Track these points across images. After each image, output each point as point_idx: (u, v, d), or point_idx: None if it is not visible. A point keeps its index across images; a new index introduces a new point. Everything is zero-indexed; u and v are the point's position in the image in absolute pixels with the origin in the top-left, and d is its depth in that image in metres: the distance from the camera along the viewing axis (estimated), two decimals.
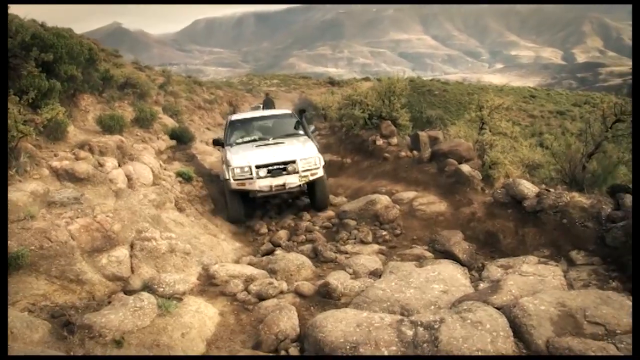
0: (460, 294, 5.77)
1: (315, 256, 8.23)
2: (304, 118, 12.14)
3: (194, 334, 5.29)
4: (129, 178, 9.23)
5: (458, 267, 6.77)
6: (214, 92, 33.86)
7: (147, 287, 6.20)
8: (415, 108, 23.20)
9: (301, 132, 11.68)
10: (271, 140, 11.05)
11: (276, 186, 9.77)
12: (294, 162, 9.85)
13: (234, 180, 9.78)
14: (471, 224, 8.39)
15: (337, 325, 5.05)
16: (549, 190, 7.80)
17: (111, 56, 23.10)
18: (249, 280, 6.89)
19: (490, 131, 12.57)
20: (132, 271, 6.71)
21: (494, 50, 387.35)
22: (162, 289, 6.17)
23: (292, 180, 9.80)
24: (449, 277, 6.20)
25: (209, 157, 15.59)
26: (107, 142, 9.51)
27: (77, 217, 6.55)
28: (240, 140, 11.37)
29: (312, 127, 12.30)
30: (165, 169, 11.22)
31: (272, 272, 7.29)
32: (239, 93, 40.44)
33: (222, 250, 8.59)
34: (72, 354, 4.47)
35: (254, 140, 11.27)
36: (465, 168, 9.78)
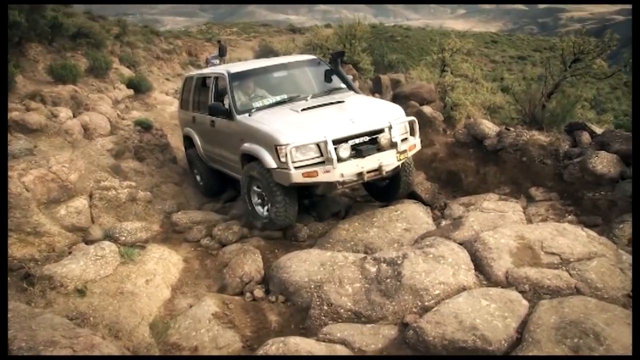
0: (422, 232, 5.88)
1: None
2: (340, 64, 8.07)
3: (158, 280, 5.28)
4: (86, 128, 9.01)
5: (420, 206, 6.84)
6: (172, 42, 32.92)
7: (109, 236, 6.16)
8: (376, 52, 23.03)
9: (342, 85, 7.71)
10: (311, 100, 7.06)
11: (369, 172, 6.08)
12: (382, 130, 6.24)
13: (297, 168, 5.84)
14: (433, 164, 8.45)
15: (301, 266, 5.11)
16: (509, 130, 7.87)
17: (59, 5, 22.04)
18: (211, 226, 6.85)
19: (451, 73, 12.56)
20: (93, 221, 6.63)
21: None
22: (124, 238, 6.14)
23: (389, 161, 6.19)
24: (412, 216, 6.28)
25: (169, 106, 15.25)
26: (60, 92, 9.20)
27: (31, 169, 6.39)
28: (260, 104, 7.12)
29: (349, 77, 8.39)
30: (123, 119, 10.94)
31: (236, 218, 7.26)
32: (198, 42, 39.42)
33: (185, 197, 8.50)
34: (33, 305, 4.41)
35: (283, 102, 7.15)
36: (427, 110, 9.80)
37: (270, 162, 6.05)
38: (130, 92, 13.83)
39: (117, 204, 6.98)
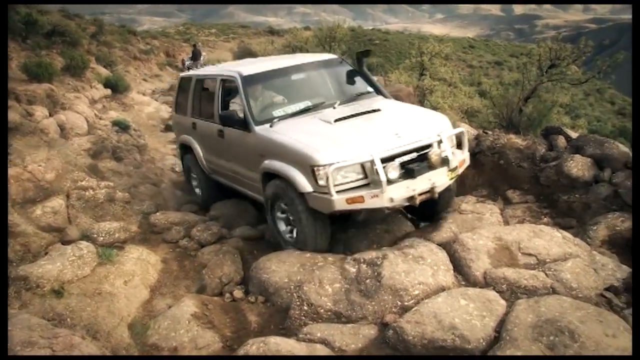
0: (402, 233, 5.92)
1: None
2: (365, 64, 6.94)
3: (136, 281, 5.25)
4: (62, 128, 8.95)
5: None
6: (149, 42, 32.84)
7: (86, 237, 6.07)
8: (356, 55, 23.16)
9: (369, 88, 6.69)
10: (340, 108, 6.02)
11: (421, 194, 5.16)
12: (431, 145, 5.33)
13: (339, 193, 4.91)
14: None
15: (281, 266, 5.10)
16: (487, 133, 7.98)
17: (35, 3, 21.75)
18: (190, 227, 6.82)
19: (430, 77, 12.68)
20: (70, 221, 6.55)
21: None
22: (101, 238, 6.06)
23: (441, 180, 5.30)
24: (391, 217, 6.31)
25: (147, 107, 15.17)
26: (35, 90, 9.10)
27: None
28: (281, 113, 6.07)
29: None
30: (100, 119, 10.85)
31: (215, 218, 7.24)
32: (176, 43, 39.29)
33: (163, 198, 8.44)
34: (7, 306, 4.34)
35: (307, 110, 6.10)
36: None
37: (304, 185, 5.09)
38: (108, 92, 13.73)
39: (94, 204, 6.90)
